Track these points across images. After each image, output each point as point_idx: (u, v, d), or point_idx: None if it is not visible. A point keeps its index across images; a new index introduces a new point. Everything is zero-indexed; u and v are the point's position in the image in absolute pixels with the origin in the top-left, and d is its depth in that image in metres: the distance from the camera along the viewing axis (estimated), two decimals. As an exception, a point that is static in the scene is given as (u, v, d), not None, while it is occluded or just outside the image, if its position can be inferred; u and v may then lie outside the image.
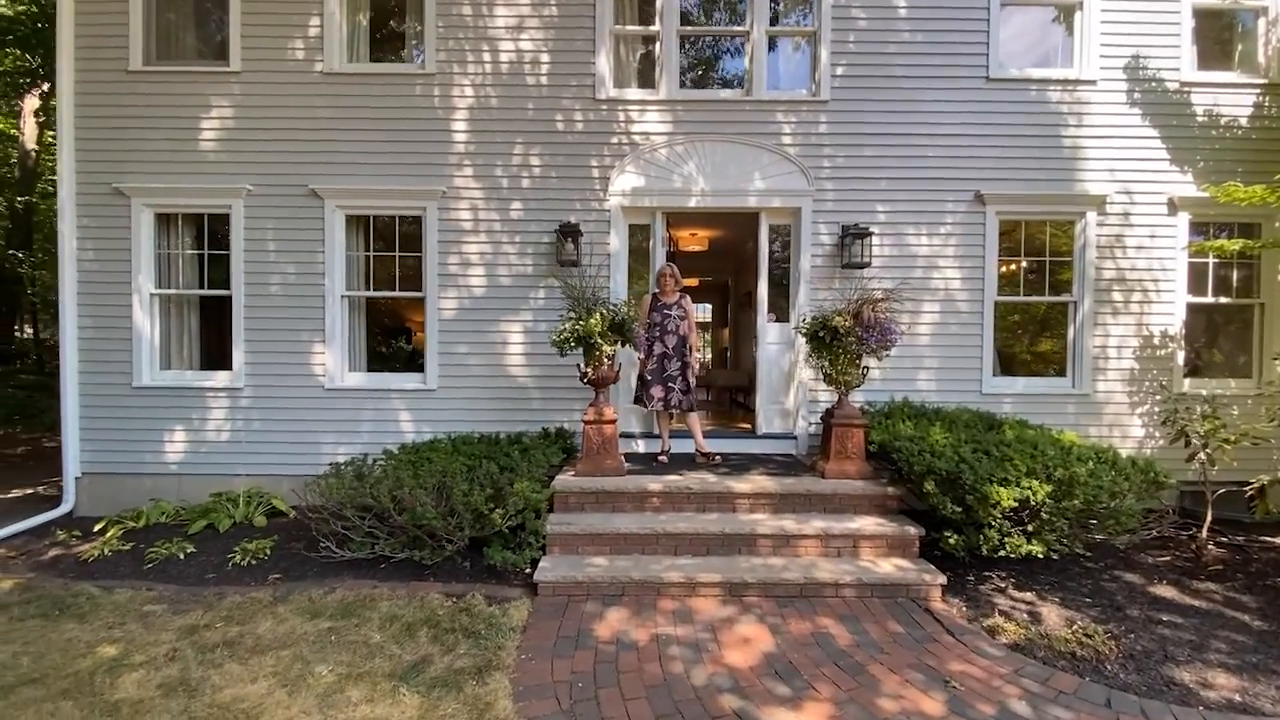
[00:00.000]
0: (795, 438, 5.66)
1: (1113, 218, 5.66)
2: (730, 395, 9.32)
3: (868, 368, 4.74)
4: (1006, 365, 6.04)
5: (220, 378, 5.77)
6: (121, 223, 5.69)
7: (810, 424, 5.63)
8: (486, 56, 5.66)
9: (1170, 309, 5.66)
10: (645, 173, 5.63)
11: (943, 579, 3.73)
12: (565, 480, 4.47)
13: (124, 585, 3.97)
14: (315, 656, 3.02)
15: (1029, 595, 3.77)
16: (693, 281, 12.66)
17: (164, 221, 5.86)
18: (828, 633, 3.30)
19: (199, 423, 5.74)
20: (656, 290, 5.17)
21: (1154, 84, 5.64)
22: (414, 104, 5.65)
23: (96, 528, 5.01)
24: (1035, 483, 3.69)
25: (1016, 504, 3.66)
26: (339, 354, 5.71)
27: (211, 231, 5.87)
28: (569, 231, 5.38)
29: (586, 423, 4.65)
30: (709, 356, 15.12)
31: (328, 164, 5.65)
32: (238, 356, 5.70)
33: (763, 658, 3.04)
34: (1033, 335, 6.32)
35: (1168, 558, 4.42)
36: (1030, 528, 3.76)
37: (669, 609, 3.57)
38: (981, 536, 3.77)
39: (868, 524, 4.14)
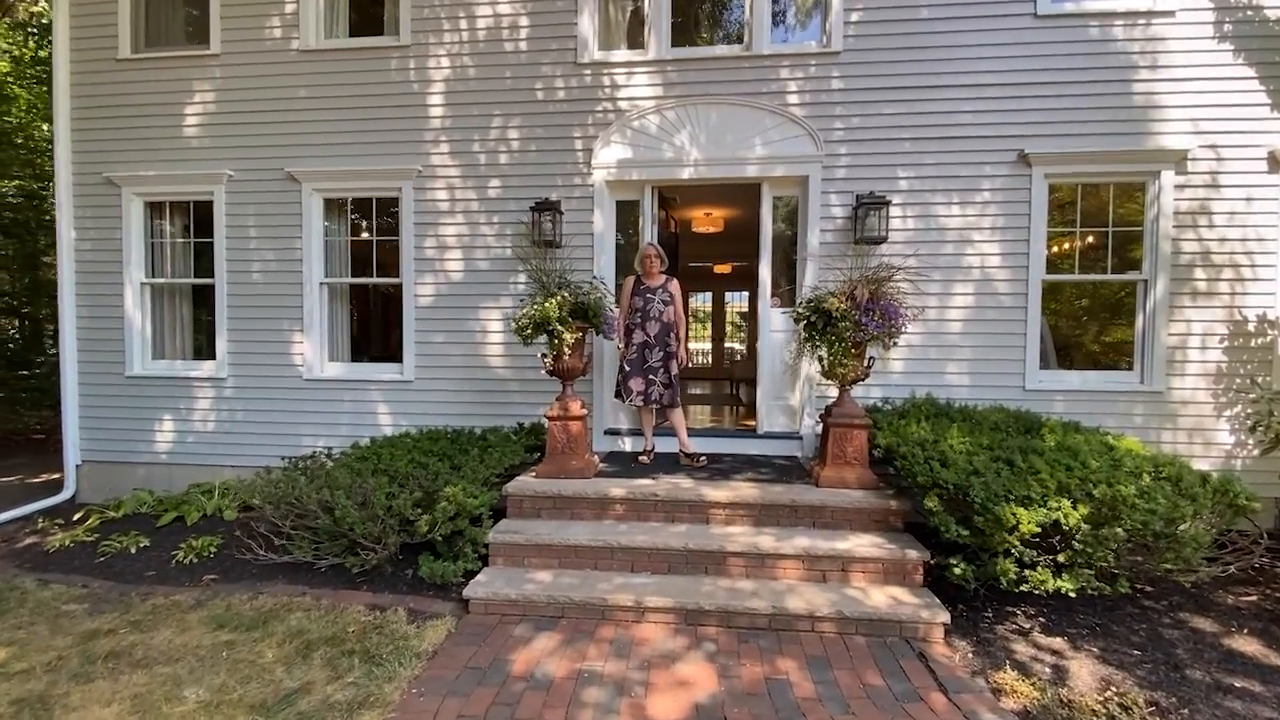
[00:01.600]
0: (800, 438, 5.01)
1: (1195, 179, 4.65)
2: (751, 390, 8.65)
3: (873, 359, 4.05)
4: (1058, 357, 5.15)
5: (206, 367, 5.69)
6: (114, 212, 5.68)
7: (817, 423, 4.94)
8: (463, 24, 5.25)
9: (1270, 290, 4.61)
10: (633, 143, 5.09)
11: (945, 616, 3.05)
12: (522, 483, 4.04)
13: (64, 580, 3.85)
14: (192, 677, 2.71)
15: (1059, 641, 3.03)
16: (725, 268, 11.98)
17: (153, 210, 5.82)
18: (786, 680, 2.71)
19: (186, 413, 5.68)
20: (639, 272, 4.64)
21: (1250, 12, 4.58)
22: (389, 79, 5.33)
23: (76, 516, 5.01)
24: (1066, 503, 2.94)
25: (1040, 529, 2.93)
26: (318, 343, 5.50)
27: (198, 220, 5.78)
28: (546, 208, 4.92)
29: (550, 419, 4.20)
30: (737, 349, 14.35)
31: (304, 146, 5.42)
32: (220, 346, 5.60)
33: (692, 711, 2.50)
34: (1091, 322, 5.40)
35: (1254, 597, 3.53)
36: (1061, 558, 3.01)
37: (608, 637, 3.07)
38: (997, 564, 3.05)
39: (862, 544, 3.48)
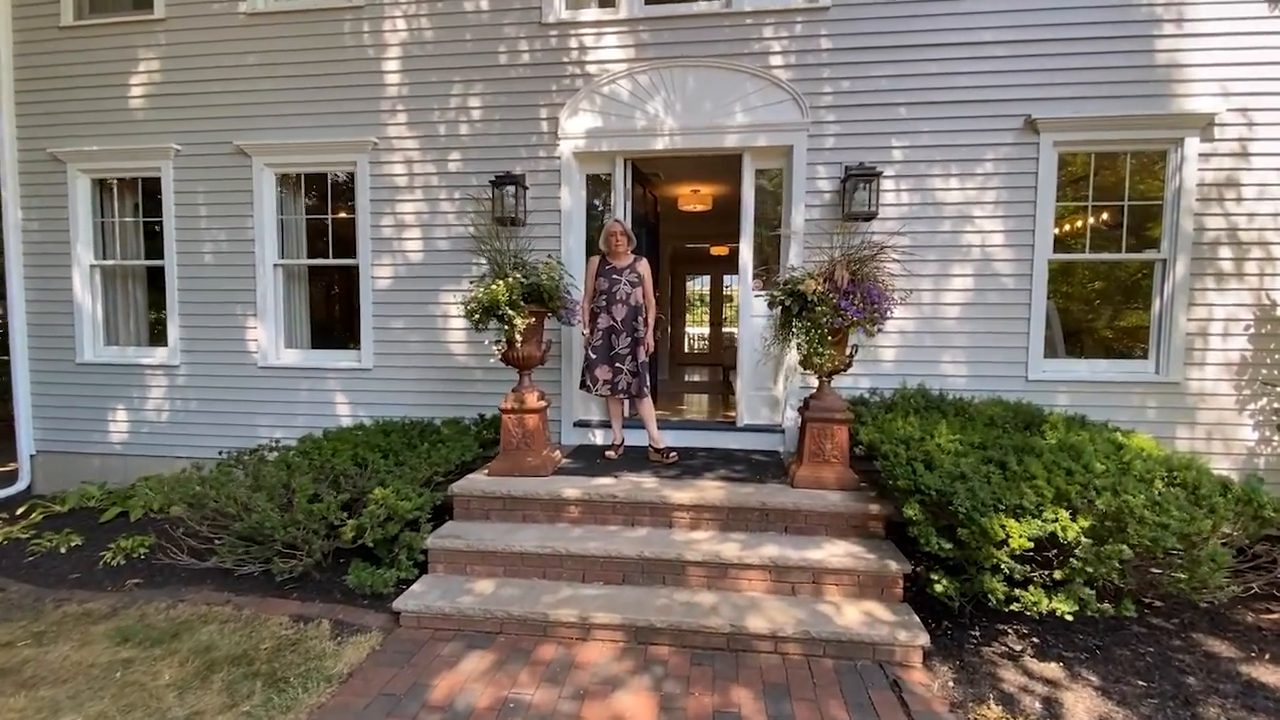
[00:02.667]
0: (782, 431, 4.65)
1: (1222, 147, 4.19)
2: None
3: (856, 347, 3.67)
4: (1065, 344, 4.74)
5: (159, 354, 5.41)
6: (60, 190, 5.38)
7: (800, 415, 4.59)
8: (421, -19, 4.85)
9: (1305, 270, 4.17)
10: (603, 111, 4.68)
11: (924, 638, 2.70)
12: (471, 481, 3.72)
13: (-18, 583, 3.59)
14: (73, 703, 2.43)
15: (1053, 668, 2.68)
16: (722, 250, 11.54)
17: (102, 188, 5.51)
18: (737, 714, 2.38)
19: (139, 402, 5.42)
20: (604, 250, 4.26)
21: (1293, -44, 4.08)
22: (342, 43, 4.94)
23: (19, 510, 4.78)
24: (1064, 514, 2.57)
25: (1033, 543, 2.57)
26: (272, 329, 5.18)
27: (149, 198, 5.46)
28: (508, 182, 4.55)
29: (504, 412, 3.87)
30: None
31: (255, 117, 5.07)
32: (172, 332, 5.30)
33: (623, 753, 2.18)
34: (1102, 306, 4.96)
35: (1279, 615, 3.15)
36: (1058, 574, 2.65)
37: (547, 658, 2.76)
38: (984, 581, 2.70)
39: (837, 552, 3.14)
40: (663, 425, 4.84)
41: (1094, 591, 2.60)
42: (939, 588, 2.76)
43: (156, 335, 5.74)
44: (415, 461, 3.53)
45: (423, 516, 3.30)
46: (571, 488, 3.58)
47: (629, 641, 2.87)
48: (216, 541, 3.30)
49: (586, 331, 4.23)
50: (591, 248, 4.87)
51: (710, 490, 3.55)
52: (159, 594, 3.41)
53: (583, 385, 4.31)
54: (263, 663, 2.70)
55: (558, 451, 4.22)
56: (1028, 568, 2.68)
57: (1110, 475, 2.78)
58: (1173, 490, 2.71)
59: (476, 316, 3.65)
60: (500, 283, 3.50)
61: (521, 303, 3.62)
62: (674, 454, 4.25)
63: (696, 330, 14.78)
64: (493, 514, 3.60)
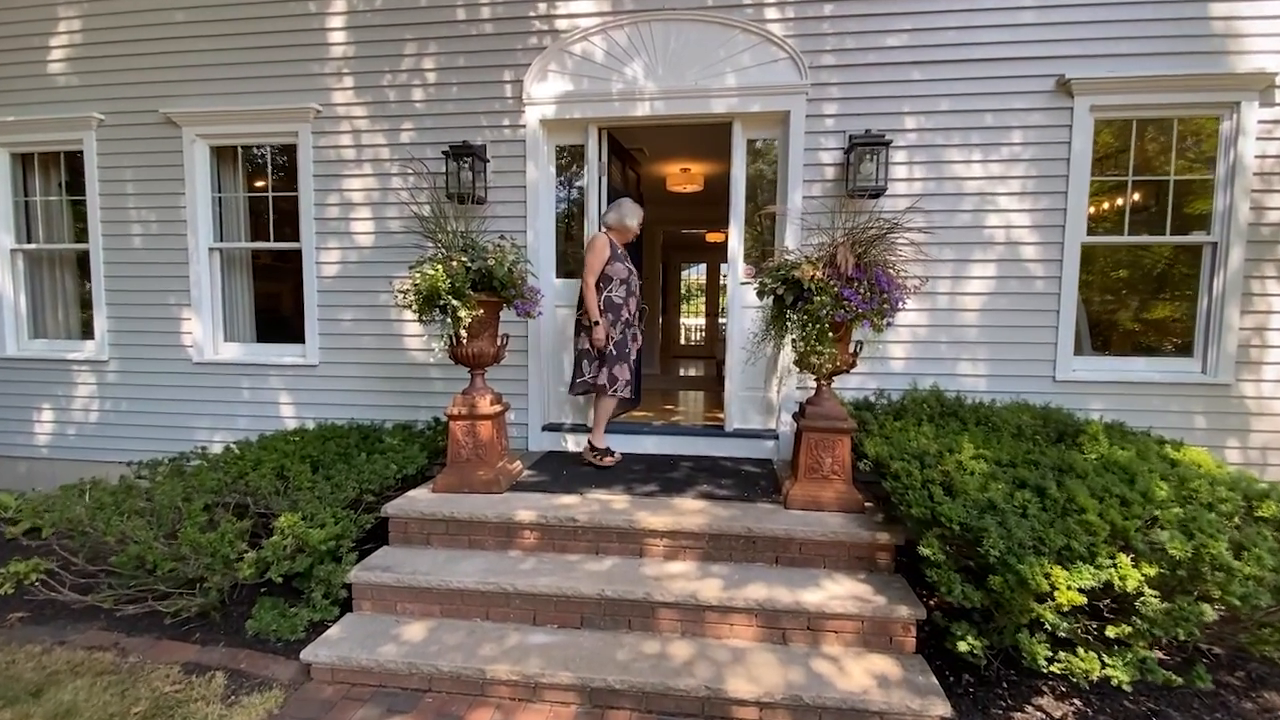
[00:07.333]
0: (777, 438, 4.12)
1: (1288, 112, 3.63)
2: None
3: (860, 343, 3.13)
4: (1091, 340, 4.20)
5: (87, 348, 4.88)
6: (-25, 165, 4.82)
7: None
8: (367, -75, 4.26)
9: (1381, 256, 3.62)
10: (575, 73, 4.11)
11: (943, 709, 2.19)
12: (411, 500, 3.19)
13: None
14: None
15: (1103, 745, 2.17)
16: (718, 237, 10.94)
17: (23, 163, 4.95)
18: (708, 818, 1.87)
19: (67, 400, 4.89)
20: (618, 231, 3.76)
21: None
22: (281, -3, 4.37)
23: (-79, 525, 4.26)
24: (1125, 560, 2.04)
25: (1085, 594, 2.04)
26: (209, 320, 4.65)
27: (76, 175, 4.90)
28: (464, 154, 3.99)
29: (452, 418, 3.33)
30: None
31: (183, 82, 4.50)
32: (100, 323, 4.77)
33: None
34: (1139, 297, 4.41)
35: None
36: (1112, 631, 2.12)
37: (480, 728, 2.25)
38: (1020, 641, 2.17)
39: (837, 593, 2.61)
40: (643, 429, 4.32)
41: (1157, 655, 2.08)
42: (963, 645, 2.23)
43: (88, 327, 5.20)
44: (341, 478, 3.00)
45: (345, 545, 2.78)
46: (527, 509, 3.06)
47: (583, 704, 2.36)
48: (93, 577, 2.77)
49: (600, 322, 3.64)
50: (562, 228, 4.34)
51: (690, 514, 3.02)
52: (41, 632, 2.91)
53: (589, 388, 3.77)
54: (128, 735, 2.19)
55: (518, 463, 3.70)
56: (1075, 622, 2.15)
57: (1174, 504, 2.25)
58: (1257, 526, 2.18)
59: (415, 307, 3.11)
60: (439, 267, 2.95)
61: (469, 291, 3.08)
62: (611, 457, 3.78)
63: (693, 322, 14.22)
64: (434, 539, 3.08)
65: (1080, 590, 2.00)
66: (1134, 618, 2.03)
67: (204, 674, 2.55)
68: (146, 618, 2.93)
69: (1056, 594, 2.00)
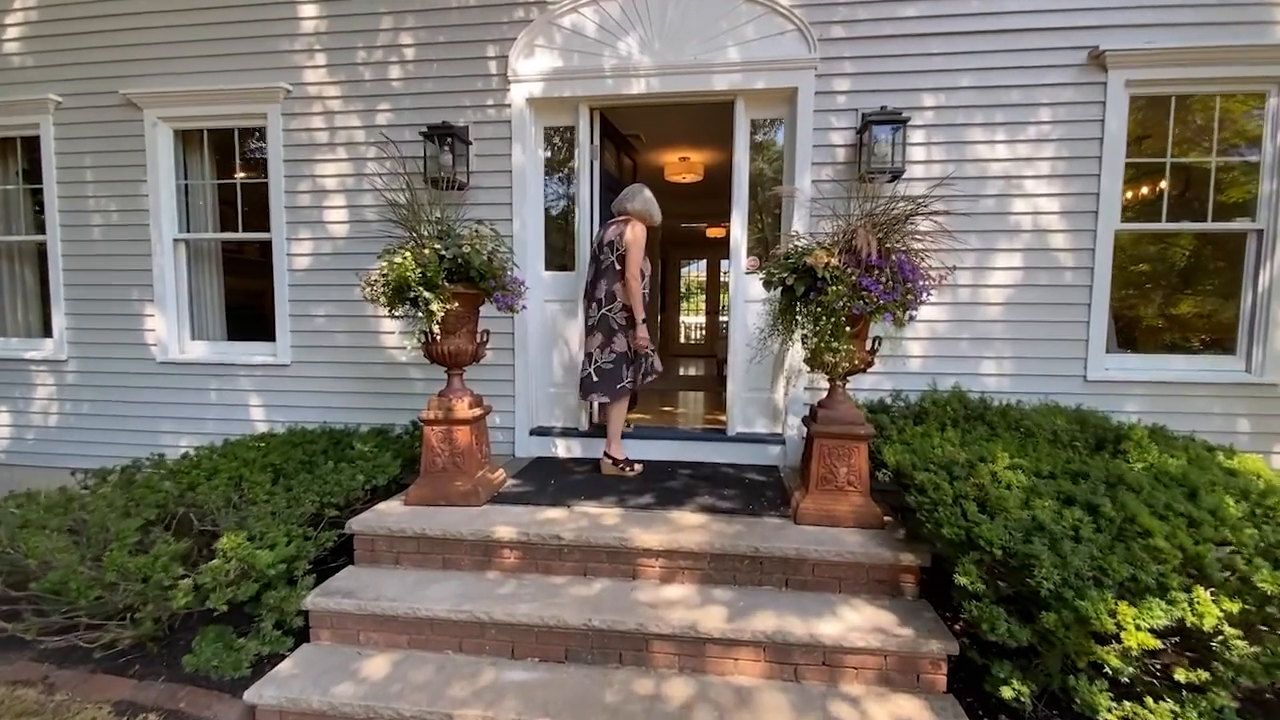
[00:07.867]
0: (783, 443, 3.80)
1: (1345, 85, 3.31)
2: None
3: (878, 339, 2.81)
4: (1119, 337, 3.89)
5: (46, 347, 4.57)
6: (-74, 152, 4.52)
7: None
8: (341, -111, 3.95)
9: None
10: (565, 48, 3.79)
11: (986, 766, 1.88)
12: (380, 515, 2.88)
13: None
14: None
15: (1172, 809, 1.85)
16: (718, 232, 10.62)
17: (-24, 150, 4.65)
18: None
19: (24, 402, 4.58)
20: (648, 223, 3.50)
21: None
22: (248, -32, 4.05)
23: None
24: (1203, 593, 1.73)
25: (1156, 634, 1.72)
26: (174, 317, 4.34)
27: (35, 161, 4.58)
28: (444, 135, 3.67)
29: (426, 423, 3.02)
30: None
31: (143, 60, 4.18)
32: (58, 320, 4.46)
33: None
34: (1173, 290, 4.10)
35: None
36: (1183, 676, 1.80)
37: (444, 787, 1.93)
38: (1074, 686, 1.86)
39: (856, 623, 2.30)
40: (640, 433, 4.01)
41: (1237, 706, 1.77)
42: (1007, 691, 1.91)
43: (49, 324, 4.89)
44: (300, 491, 2.69)
45: (300, 568, 2.46)
46: (507, 525, 2.74)
47: (565, 756, 2.04)
48: (25, 602, 2.46)
49: (646, 321, 3.41)
50: (552, 217, 4.04)
51: (689, 530, 2.70)
52: (-34, 664, 2.59)
53: (628, 392, 3.46)
54: (32, 797, 1.88)
55: (500, 471, 3.38)
56: (1136, 660, 1.83)
57: (1247, 524, 1.93)
58: (1352, 552, 1.86)
59: (384, 299, 2.79)
60: (408, 254, 2.64)
61: (443, 281, 2.76)
62: (636, 468, 3.46)
63: (693, 320, 13.90)
64: (404, 559, 2.77)
65: (1151, 631, 1.68)
66: (1214, 661, 1.71)
67: (136, 716, 2.23)
68: (79, 649, 2.62)
69: (1123, 636, 1.68)
